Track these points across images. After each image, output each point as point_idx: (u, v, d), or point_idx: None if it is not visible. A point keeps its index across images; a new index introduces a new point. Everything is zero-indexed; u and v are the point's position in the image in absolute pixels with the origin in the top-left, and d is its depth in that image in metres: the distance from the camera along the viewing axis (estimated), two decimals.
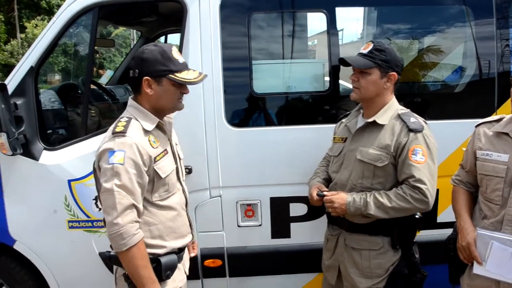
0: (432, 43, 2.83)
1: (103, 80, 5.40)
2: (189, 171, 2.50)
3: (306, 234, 2.67)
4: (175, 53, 1.80)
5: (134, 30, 9.99)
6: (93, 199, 2.52)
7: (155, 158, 1.78)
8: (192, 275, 2.23)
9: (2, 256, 2.68)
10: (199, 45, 2.50)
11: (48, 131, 2.90)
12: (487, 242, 1.84)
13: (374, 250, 2.10)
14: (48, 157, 2.55)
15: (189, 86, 1.85)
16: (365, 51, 2.07)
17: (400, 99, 2.19)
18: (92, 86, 3.93)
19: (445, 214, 2.59)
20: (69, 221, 2.58)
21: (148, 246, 1.78)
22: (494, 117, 1.99)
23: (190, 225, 2.05)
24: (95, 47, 3.17)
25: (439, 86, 2.94)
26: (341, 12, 2.65)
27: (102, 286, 2.40)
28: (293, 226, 2.68)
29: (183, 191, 2.01)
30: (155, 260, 1.80)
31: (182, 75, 1.78)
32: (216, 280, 2.71)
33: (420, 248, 2.20)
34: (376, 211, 1.99)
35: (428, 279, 2.15)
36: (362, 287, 2.11)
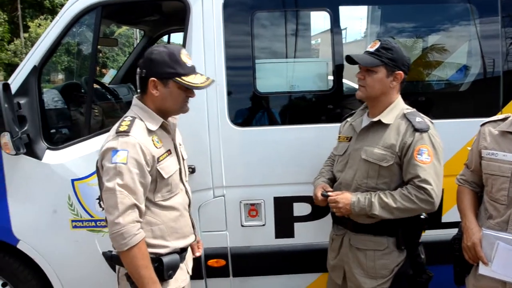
0: (437, 41, 2.82)
1: (106, 79, 5.41)
2: (192, 170, 2.49)
3: (310, 234, 2.66)
4: (184, 56, 1.79)
5: (137, 29, 9.99)
6: (97, 199, 2.51)
7: (158, 158, 1.78)
8: (196, 275, 2.23)
9: (6, 255, 2.69)
10: (202, 44, 2.50)
11: (52, 131, 2.89)
12: (492, 242, 1.83)
13: (379, 251, 2.08)
14: (51, 157, 2.55)
15: None
16: (372, 49, 2.05)
17: (405, 98, 2.17)
18: (95, 86, 3.93)
19: (450, 214, 2.58)
20: (72, 221, 2.58)
21: (150, 246, 1.77)
22: (499, 116, 1.97)
23: (193, 225, 2.04)
24: (98, 46, 3.17)
25: (443, 85, 2.93)
26: (344, 11, 2.63)
27: (105, 285, 2.40)
28: (297, 226, 2.67)
29: (186, 191, 2.00)
30: (157, 259, 1.80)
31: (189, 79, 1.77)
32: (220, 280, 2.71)
33: (424, 248, 2.19)
34: (381, 212, 1.98)
35: (433, 280, 2.14)
36: (366, 287, 2.10)
